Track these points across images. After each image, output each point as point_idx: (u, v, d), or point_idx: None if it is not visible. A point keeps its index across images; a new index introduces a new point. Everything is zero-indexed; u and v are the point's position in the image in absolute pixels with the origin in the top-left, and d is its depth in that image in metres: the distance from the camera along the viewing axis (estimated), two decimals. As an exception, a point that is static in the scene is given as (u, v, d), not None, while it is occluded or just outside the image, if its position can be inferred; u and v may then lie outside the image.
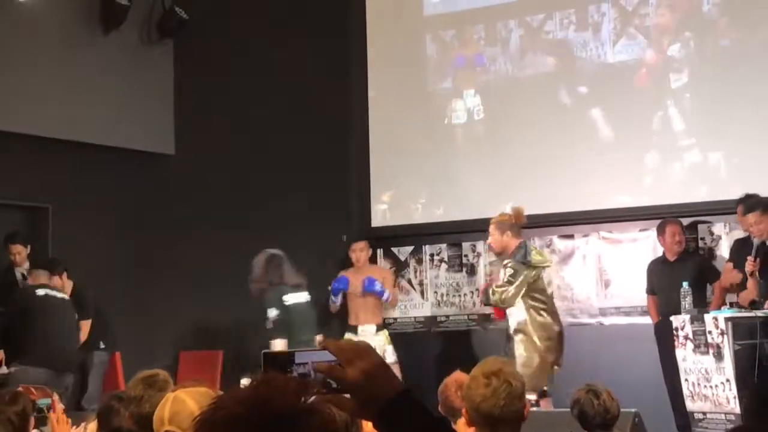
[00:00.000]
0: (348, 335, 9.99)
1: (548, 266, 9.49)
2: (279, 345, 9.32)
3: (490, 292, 9.26)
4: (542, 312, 9.18)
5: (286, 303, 9.70)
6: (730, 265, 9.15)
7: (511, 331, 9.23)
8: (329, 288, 10.47)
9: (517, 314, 9.19)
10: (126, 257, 11.17)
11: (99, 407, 4.79)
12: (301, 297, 9.87)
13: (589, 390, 5.67)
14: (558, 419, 6.99)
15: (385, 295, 10.49)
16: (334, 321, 10.79)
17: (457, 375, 5.59)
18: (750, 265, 8.77)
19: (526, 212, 9.76)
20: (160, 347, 11.22)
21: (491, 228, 9.39)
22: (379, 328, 10.48)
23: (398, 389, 2.00)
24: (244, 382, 9.52)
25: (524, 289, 9.15)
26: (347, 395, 1.99)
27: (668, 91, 10.41)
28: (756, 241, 8.82)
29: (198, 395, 3.48)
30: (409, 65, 11.69)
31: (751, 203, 8.90)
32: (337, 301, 10.57)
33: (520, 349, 9.10)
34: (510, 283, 9.17)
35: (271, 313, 9.58)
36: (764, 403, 4.03)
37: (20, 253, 10.24)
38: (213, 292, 11.01)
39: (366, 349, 2.02)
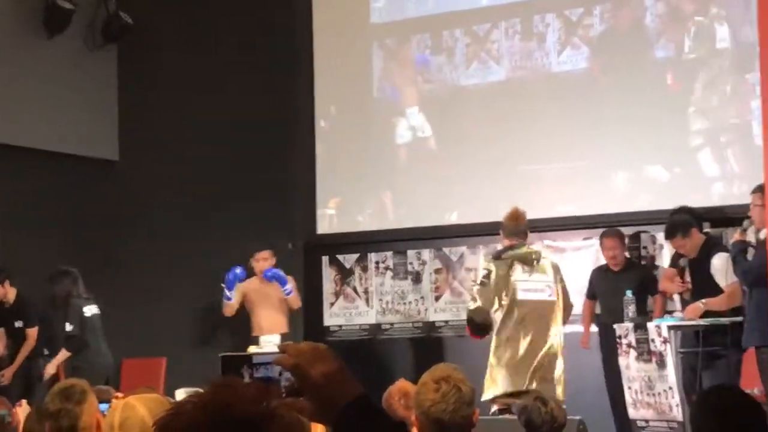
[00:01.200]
0: (251, 348, 9.76)
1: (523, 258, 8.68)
2: (61, 356, 10.05)
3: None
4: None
5: (86, 315, 10.13)
6: (672, 271, 9.22)
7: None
8: (222, 285, 10.22)
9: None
10: (69, 264, 11.03)
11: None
12: (93, 309, 10.25)
13: (537, 398, 5.70)
14: (505, 427, 7.01)
15: (288, 286, 10.38)
16: (227, 334, 10.59)
17: (401, 383, 5.60)
18: (679, 286, 8.89)
19: (468, 221, 9.72)
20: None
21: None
22: (286, 338, 10.21)
23: (356, 393, 1.98)
24: (180, 393, 9.45)
25: (495, 288, 8.50)
26: (304, 399, 1.97)
27: (610, 102, 10.48)
28: (682, 262, 8.91)
29: (149, 402, 3.43)
30: (356, 72, 11.68)
31: (669, 229, 8.89)
32: (231, 297, 10.36)
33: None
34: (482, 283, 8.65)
35: (68, 327, 10.04)
36: (710, 409, 4.06)
37: None
38: (156, 299, 10.91)
39: (325, 352, 2.01)
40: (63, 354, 10.08)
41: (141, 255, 11.25)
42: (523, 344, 8.43)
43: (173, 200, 11.55)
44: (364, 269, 11.50)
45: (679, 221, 8.82)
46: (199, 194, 11.51)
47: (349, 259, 11.57)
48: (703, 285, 8.67)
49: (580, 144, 10.56)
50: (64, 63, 11.45)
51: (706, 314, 8.49)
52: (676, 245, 8.90)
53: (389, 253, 11.40)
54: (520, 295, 8.51)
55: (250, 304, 10.50)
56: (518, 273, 8.57)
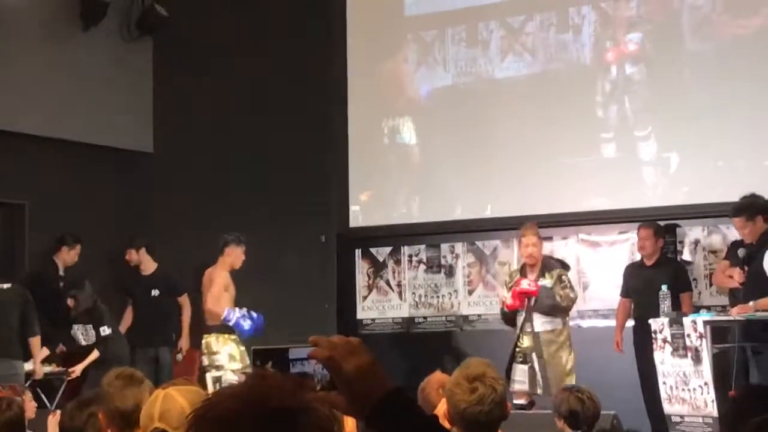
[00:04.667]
0: (225, 336, 9.96)
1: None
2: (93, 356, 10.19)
3: (559, 299, 9.24)
4: None
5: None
6: (725, 263, 9.17)
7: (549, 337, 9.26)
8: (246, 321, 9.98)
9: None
10: (104, 255, 11.13)
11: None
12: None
13: (576, 390, 5.71)
14: (538, 421, 7.02)
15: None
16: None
17: (439, 375, 5.60)
18: (740, 276, 8.77)
19: (502, 214, 9.80)
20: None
21: (536, 237, 9.36)
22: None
23: (390, 387, 1.99)
24: (209, 376, 9.56)
25: None
26: (337, 392, 1.98)
27: (643, 95, 10.43)
28: (741, 252, 8.82)
29: (189, 393, 3.46)
30: (389, 65, 11.67)
31: (736, 207, 8.85)
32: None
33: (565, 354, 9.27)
34: (571, 288, 9.35)
35: (106, 330, 10.25)
36: (746, 408, 4.02)
37: None
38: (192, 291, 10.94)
39: (358, 345, 2.01)
40: (95, 355, 10.18)
41: (174, 247, 11.28)
42: None
43: (207, 193, 11.58)
44: (398, 262, 11.51)
45: (748, 203, 8.77)
46: (233, 187, 11.53)
47: (382, 252, 11.58)
48: (755, 277, 8.58)
49: (615, 137, 10.51)
50: (99, 55, 11.49)
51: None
52: (738, 226, 8.83)
53: (422, 247, 11.41)
54: None
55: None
56: None
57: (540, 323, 9.22)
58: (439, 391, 5.30)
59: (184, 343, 10.80)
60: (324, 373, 2.01)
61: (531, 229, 9.39)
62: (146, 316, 10.86)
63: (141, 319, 10.92)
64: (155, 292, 10.86)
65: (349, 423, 3.95)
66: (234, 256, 10.19)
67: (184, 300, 10.83)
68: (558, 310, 9.25)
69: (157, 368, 10.54)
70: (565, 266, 9.53)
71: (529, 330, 9.24)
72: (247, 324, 9.91)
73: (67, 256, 10.61)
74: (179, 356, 10.75)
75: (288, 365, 2.07)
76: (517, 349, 9.24)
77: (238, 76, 11.66)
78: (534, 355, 9.17)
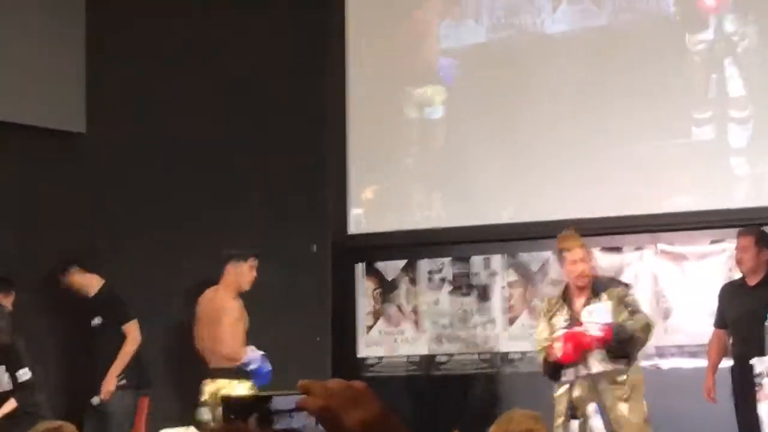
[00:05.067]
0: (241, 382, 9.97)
1: None
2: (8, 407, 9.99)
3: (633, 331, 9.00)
4: None
5: None
6: None
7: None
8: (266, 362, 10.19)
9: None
10: (28, 253, 11.13)
11: None
12: None
13: None
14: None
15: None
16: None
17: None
18: None
19: (554, 217, 9.76)
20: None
21: (583, 249, 9.17)
22: None
23: None
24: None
25: None
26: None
27: (743, 61, 10.47)
28: None
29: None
30: (404, 16, 11.72)
31: None
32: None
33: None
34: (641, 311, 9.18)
35: (26, 374, 10.12)
36: None
37: None
38: (135, 312, 10.89)
39: (363, 393, 2.04)
40: (11, 405, 10.01)
41: (114, 250, 11.25)
42: None
43: (157, 185, 11.54)
44: (413, 281, 11.49)
45: None
46: (191, 177, 11.47)
47: (392, 267, 11.54)
48: None
49: (707, 115, 10.46)
50: (26, 24, 11.76)
51: None
52: None
53: (447, 260, 11.42)
54: None
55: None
56: None
57: (598, 362, 9.02)
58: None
59: (108, 382, 10.65)
60: (319, 429, 2.02)
61: (574, 239, 9.18)
62: (84, 352, 10.85)
63: (79, 357, 10.90)
64: (96, 321, 10.84)
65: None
66: (237, 274, 10.29)
67: (131, 328, 10.73)
68: (637, 345, 9.02)
69: (98, 418, 10.45)
70: (623, 285, 9.39)
71: (584, 373, 9.06)
72: (267, 365, 10.05)
73: (5, 301, 10.63)
74: (95, 400, 10.65)
75: (269, 419, 2.04)
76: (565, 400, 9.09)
77: (196, 44, 11.69)
78: (590, 408, 9.01)
